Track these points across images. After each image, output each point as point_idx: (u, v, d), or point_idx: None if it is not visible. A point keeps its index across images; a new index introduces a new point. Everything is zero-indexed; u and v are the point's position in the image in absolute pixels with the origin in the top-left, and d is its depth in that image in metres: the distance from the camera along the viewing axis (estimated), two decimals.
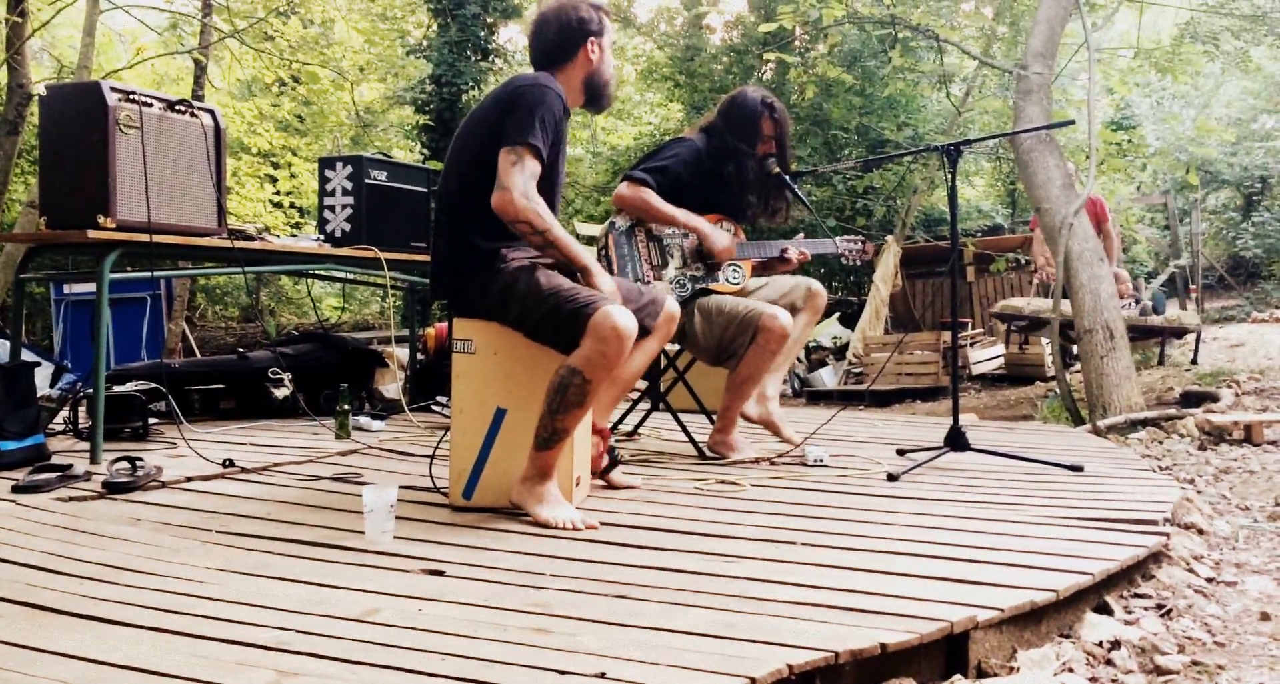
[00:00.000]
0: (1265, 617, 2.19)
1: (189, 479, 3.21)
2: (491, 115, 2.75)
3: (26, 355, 4.06)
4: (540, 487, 2.64)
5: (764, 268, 3.88)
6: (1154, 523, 2.57)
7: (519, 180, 2.62)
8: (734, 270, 3.72)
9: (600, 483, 3.12)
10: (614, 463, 3.12)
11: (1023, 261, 10.75)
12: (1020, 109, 5.84)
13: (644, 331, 2.86)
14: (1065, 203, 5.50)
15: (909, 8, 8.49)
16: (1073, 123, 3.99)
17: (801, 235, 3.91)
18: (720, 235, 3.63)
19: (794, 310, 3.67)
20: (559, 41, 2.88)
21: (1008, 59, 9.83)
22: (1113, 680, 1.83)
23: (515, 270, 2.74)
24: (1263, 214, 15.53)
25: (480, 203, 2.73)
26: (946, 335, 8.58)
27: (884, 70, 11.57)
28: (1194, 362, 7.81)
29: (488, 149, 2.72)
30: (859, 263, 4.07)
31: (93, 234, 3.56)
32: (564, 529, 2.52)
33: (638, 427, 4.26)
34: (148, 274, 4.49)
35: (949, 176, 3.55)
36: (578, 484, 2.83)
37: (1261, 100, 16.71)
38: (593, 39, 2.90)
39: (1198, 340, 8.01)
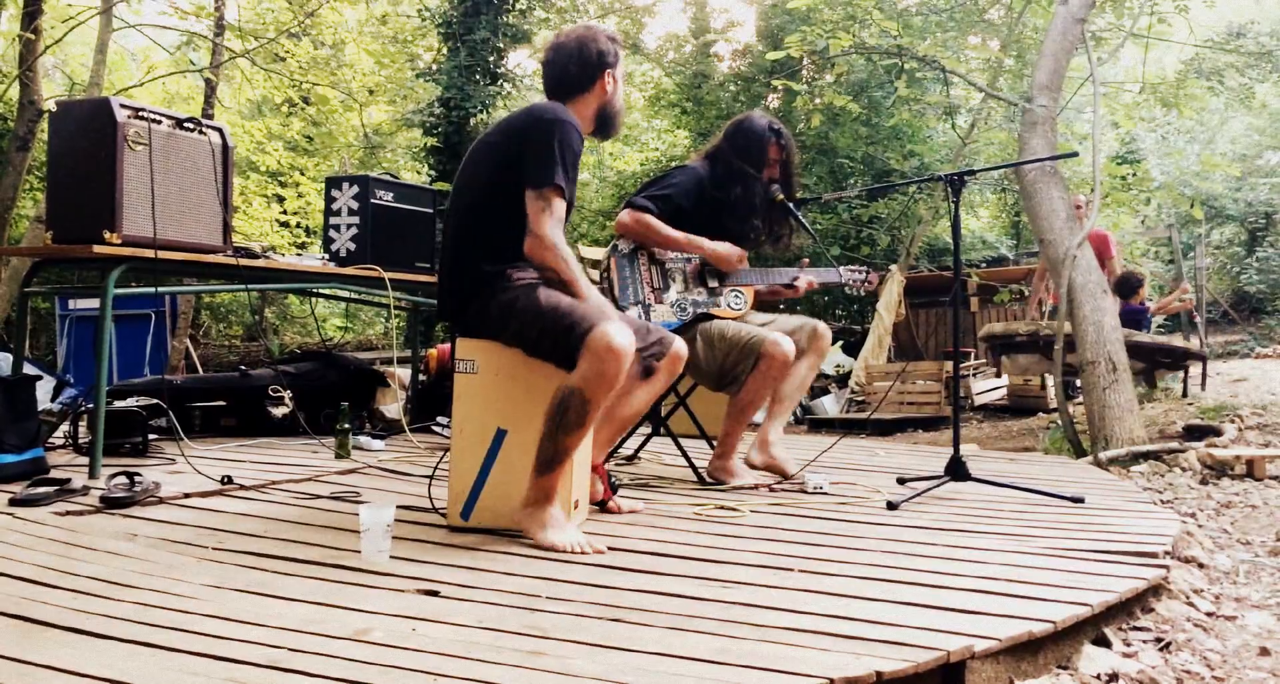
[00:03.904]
0: (1265, 652, 2.18)
1: (187, 495, 3.21)
2: (508, 144, 2.77)
3: (28, 369, 4.07)
4: (543, 511, 2.63)
5: (771, 295, 3.88)
6: (1154, 556, 2.55)
7: (549, 229, 2.68)
8: (736, 296, 3.72)
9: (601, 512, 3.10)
10: (613, 490, 3.11)
11: (1026, 294, 10.76)
12: (1025, 141, 5.86)
13: (649, 372, 2.86)
14: (1069, 235, 5.51)
15: (916, 39, 8.55)
16: (1076, 154, 4.01)
17: (806, 261, 3.91)
18: (722, 245, 3.63)
19: (798, 353, 3.62)
20: (579, 72, 2.90)
21: (1013, 91, 9.89)
22: None
23: (517, 288, 2.75)
24: (1267, 250, 15.54)
25: (490, 227, 2.75)
26: (949, 365, 8.57)
27: (890, 100, 11.64)
28: (1202, 388, 7.79)
29: (501, 176, 2.74)
30: (863, 293, 4.07)
31: (98, 249, 3.57)
32: (571, 553, 2.51)
33: (638, 451, 4.25)
34: (152, 290, 4.50)
35: (952, 206, 3.55)
36: (576, 507, 2.82)
37: (1267, 137, 16.78)
38: (609, 71, 2.93)
39: (1204, 370, 7.99)
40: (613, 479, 3.12)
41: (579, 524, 2.83)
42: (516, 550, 2.54)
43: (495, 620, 1.92)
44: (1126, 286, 8.48)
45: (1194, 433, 5.66)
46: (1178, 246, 15.59)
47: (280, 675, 1.61)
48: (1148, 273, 14.55)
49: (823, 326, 3.71)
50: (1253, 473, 4.53)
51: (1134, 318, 8.13)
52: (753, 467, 3.72)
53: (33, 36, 7.93)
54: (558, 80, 2.92)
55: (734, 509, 3.15)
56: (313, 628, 1.85)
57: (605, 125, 3.00)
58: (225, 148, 4.10)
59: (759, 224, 3.72)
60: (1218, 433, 5.55)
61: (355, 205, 4.86)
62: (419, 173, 13.80)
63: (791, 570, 2.36)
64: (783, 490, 3.55)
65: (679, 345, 2.97)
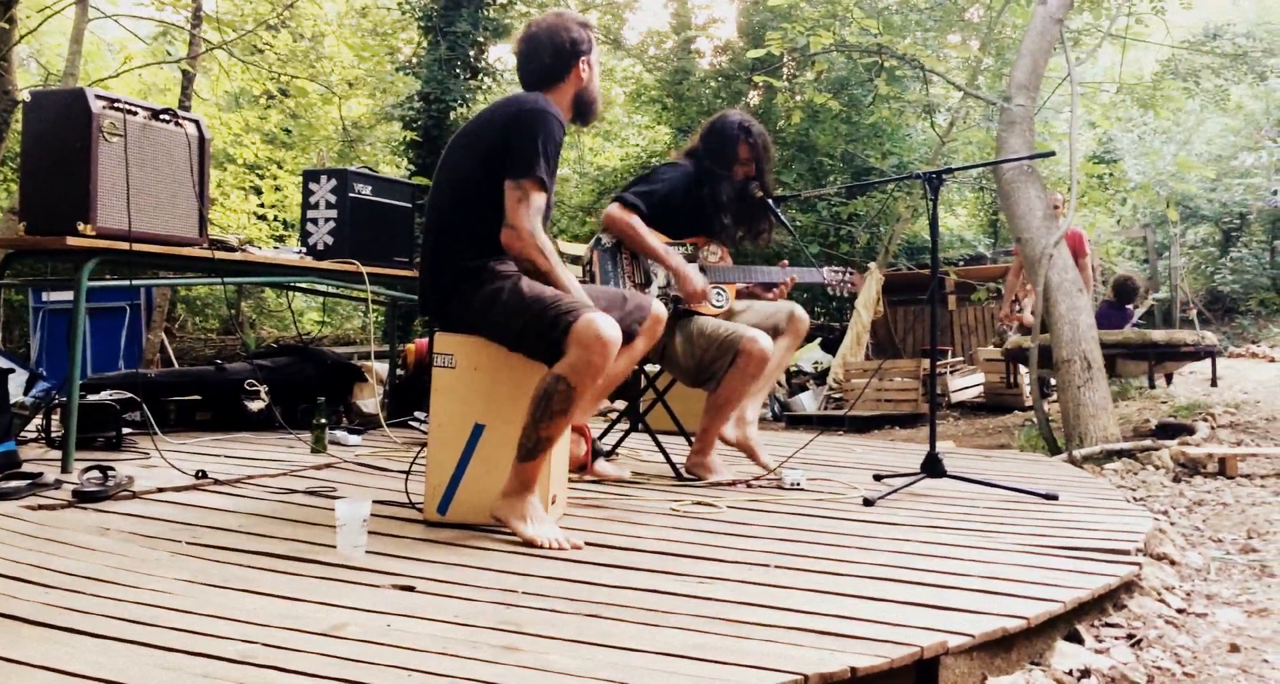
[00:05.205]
0: (1234, 648, 2.20)
1: (161, 490, 3.18)
2: (491, 135, 2.76)
3: (0, 362, 4.03)
4: (523, 501, 2.62)
5: (750, 296, 3.89)
6: (1126, 553, 2.58)
7: (526, 219, 2.67)
8: (717, 293, 3.73)
9: (588, 477, 3.10)
10: (597, 454, 3.11)
11: (1003, 293, 10.82)
12: (1003, 140, 5.90)
13: (630, 337, 2.87)
14: (1046, 233, 5.55)
15: (896, 37, 8.58)
16: (1053, 153, 4.05)
17: (785, 262, 3.92)
18: (695, 279, 3.63)
19: (776, 334, 3.67)
20: (553, 62, 2.90)
21: (992, 90, 9.94)
22: None
23: (499, 282, 2.75)
24: (1241, 250, 15.69)
25: (471, 221, 2.75)
26: (927, 363, 8.61)
27: (870, 98, 11.67)
28: (1170, 386, 7.89)
29: (481, 169, 2.73)
30: (845, 294, 4.09)
31: (71, 241, 3.54)
32: (548, 548, 2.51)
33: (616, 447, 4.25)
34: (127, 283, 4.47)
35: (931, 204, 3.57)
36: (554, 502, 2.82)
37: (1241, 138, 16.90)
38: (583, 58, 2.93)
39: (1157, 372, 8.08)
40: (597, 445, 3.12)
41: (557, 519, 2.83)
42: (493, 546, 2.54)
43: (471, 616, 1.92)
44: (1133, 292, 8.62)
45: (1167, 431, 5.72)
46: (1153, 246, 15.72)
47: (255, 670, 1.61)
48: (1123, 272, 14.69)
49: (799, 309, 3.76)
50: (1225, 471, 4.58)
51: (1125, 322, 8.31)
52: (724, 441, 3.74)
53: (7, 26, 7.84)
54: (533, 71, 2.92)
55: (711, 505, 3.16)
56: (288, 623, 1.85)
57: (583, 112, 3.00)
58: (202, 140, 4.06)
59: (729, 222, 3.74)
60: (1190, 431, 5.61)
61: (333, 199, 4.83)
62: (398, 167, 13.73)
63: (768, 566, 2.36)
64: (760, 487, 3.56)
65: (658, 308, 3.01)
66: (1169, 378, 8.24)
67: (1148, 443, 5.11)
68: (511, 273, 2.77)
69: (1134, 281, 8.88)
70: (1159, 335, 6.99)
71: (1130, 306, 8.67)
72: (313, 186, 4.89)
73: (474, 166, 2.76)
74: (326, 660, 1.65)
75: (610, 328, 2.57)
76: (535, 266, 2.70)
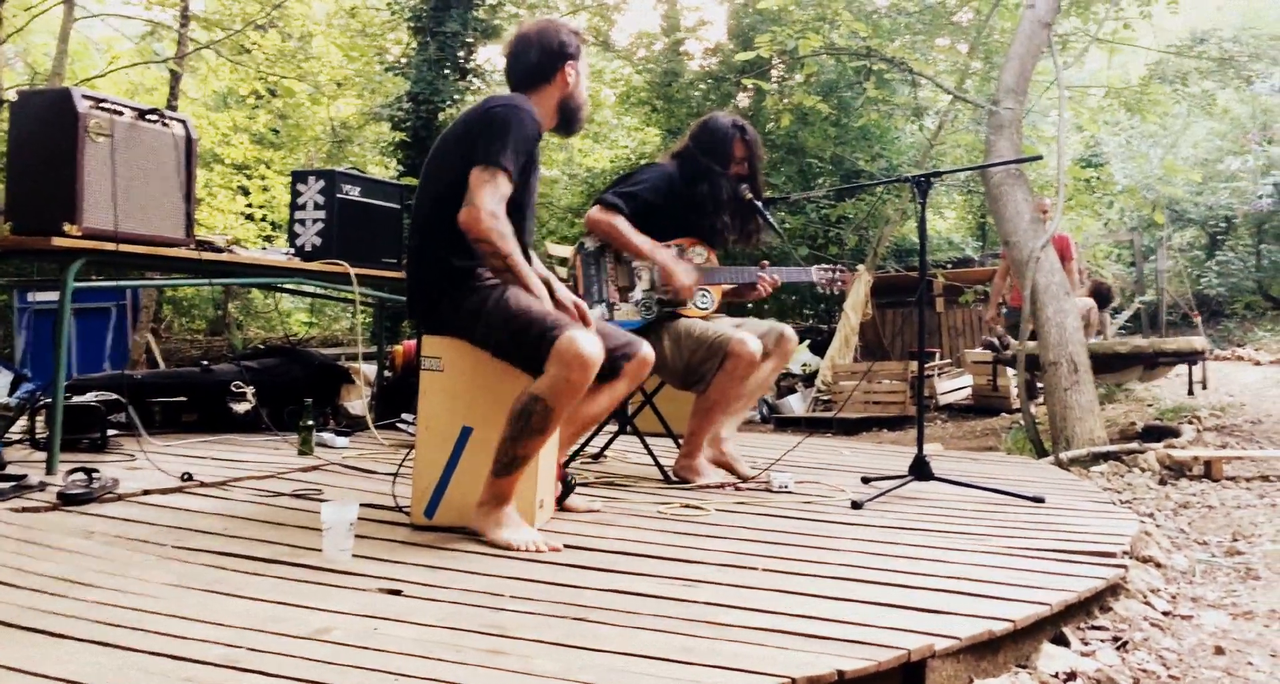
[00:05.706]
0: (1219, 651, 2.21)
1: (146, 492, 3.17)
2: (465, 135, 2.76)
3: None
4: (498, 511, 2.61)
5: (735, 293, 3.89)
6: (1112, 555, 2.58)
7: (488, 200, 2.62)
8: (703, 295, 3.72)
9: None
10: (568, 490, 3.08)
11: (990, 295, 10.86)
12: (991, 143, 5.91)
13: (615, 373, 2.84)
14: (1033, 237, 5.57)
15: (885, 40, 8.60)
16: (1040, 158, 4.07)
17: (765, 262, 3.91)
18: (683, 273, 3.62)
19: (764, 355, 3.61)
20: (538, 64, 2.90)
21: (980, 94, 9.97)
22: None
23: (487, 289, 2.74)
24: (1226, 253, 15.78)
25: (456, 222, 2.73)
26: (915, 365, 8.63)
27: (859, 101, 11.69)
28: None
29: (462, 170, 2.71)
30: (835, 292, 4.08)
31: (57, 241, 3.52)
32: (527, 551, 2.50)
33: (604, 450, 4.25)
34: (113, 283, 4.45)
35: (919, 207, 3.58)
36: (541, 507, 2.81)
37: (1228, 142, 16.99)
38: (570, 63, 2.93)
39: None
40: (570, 478, 3.11)
41: (544, 523, 2.82)
42: (480, 549, 2.53)
43: (458, 619, 1.91)
44: (1109, 297, 9.05)
45: (1153, 434, 5.74)
46: (1139, 250, 15.80)
47: (239, 675, 1.60)
48: (1110, 275, 14.76)
49: (789, 331, 3.72)
50: (1210, 474, 4.60)
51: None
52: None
53: None
54: (519, 71, 2.92)
55: (699, 508, 3.15)
56: (273, 627, 1.84)
57: (568, 119, 2.98)
58: (189, 140, 4.05)
59: (728, 221, 3.73)
60: (1176, 434, 5.63)
61: (321, 200, 4.81)
62: (386, 167, 13.70)
63: (755, 569, 2.36)
64: (748, 489, 3.56)
65: (646, 350, 2.95)
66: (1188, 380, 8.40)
67: (1134, 446, 5.13)
68: (498, 280, 2.76)
69: (1110, 287, 9.13)
70: (1199, 341, 7.12)
71: (1105, 311, 8.94)
72: (300, 187, 4.87)
73: (455, 169, 2.75)
74: (311, 664, 1.64)
75: (591, 345, 2.55)
76: (494, 248, 2.61)
